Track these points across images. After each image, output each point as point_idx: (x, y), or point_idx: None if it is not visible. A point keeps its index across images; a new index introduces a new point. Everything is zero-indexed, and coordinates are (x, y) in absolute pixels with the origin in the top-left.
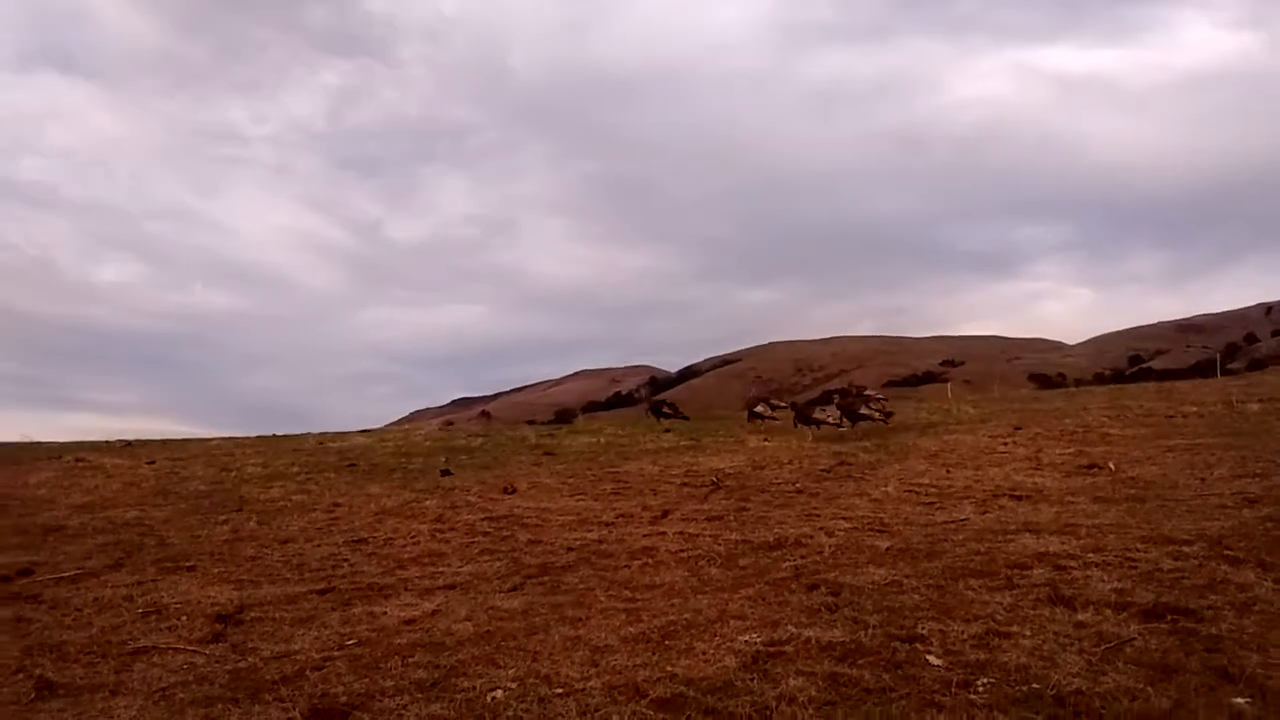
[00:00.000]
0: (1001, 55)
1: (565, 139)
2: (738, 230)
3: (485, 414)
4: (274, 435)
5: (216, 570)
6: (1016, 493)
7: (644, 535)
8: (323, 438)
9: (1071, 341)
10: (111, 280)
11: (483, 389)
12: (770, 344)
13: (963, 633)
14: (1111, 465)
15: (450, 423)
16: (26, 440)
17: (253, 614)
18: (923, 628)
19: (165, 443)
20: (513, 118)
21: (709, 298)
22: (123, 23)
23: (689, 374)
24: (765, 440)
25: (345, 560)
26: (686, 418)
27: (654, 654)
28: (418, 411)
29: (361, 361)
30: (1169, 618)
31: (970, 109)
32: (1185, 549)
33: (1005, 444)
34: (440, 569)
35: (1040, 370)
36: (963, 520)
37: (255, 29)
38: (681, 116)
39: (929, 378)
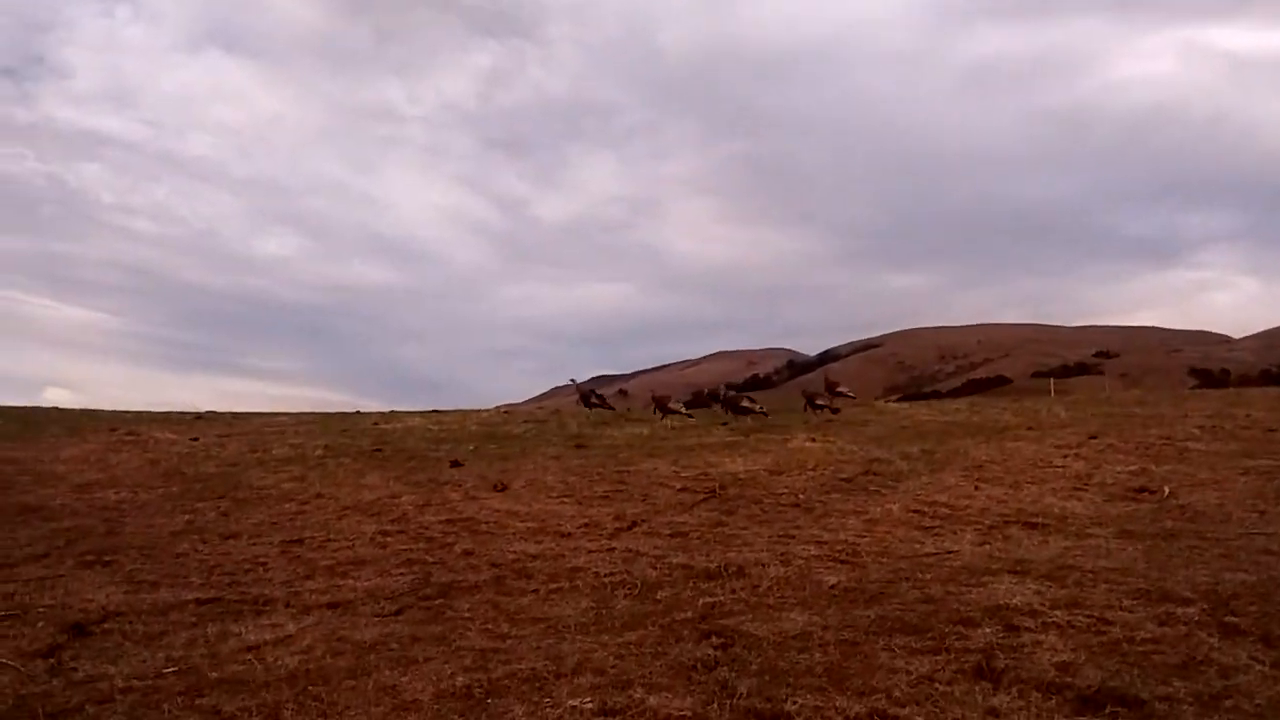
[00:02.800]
0: (1169, 33)
1: (712, 118)
2: (884, 213)
3: (623, 392)
4: (355, 412)
5: (130, 568)
6: (1035, 520)
7: (589, 552)
8: (383, 418)
9: (1238, 335)
10: (273, 253)
11: (622, 367)
12: (913, 329)
13: (844, 711)
14: (1167, 489)
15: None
16: (143, 410)
17: (109, 625)
18: (794, 702)
19: (239, 416)
20: (660, 97)
21: (851, 281)
22: (288, 6)
23: (828, 357)
24: (811, 440)
25: (263, 564)
26: (765, 414)
27: (459, 718)
28: (557, 388)
29: (506, 337)
30: (1109, 709)
31: (1135, 89)
32: (1180, 610)
33: (1066, 456)
34: (344, 581)
35: (1203, 365)
36: (949, 553)
37: (413, 11)
38: (830, 96)
39: (1081, 369)
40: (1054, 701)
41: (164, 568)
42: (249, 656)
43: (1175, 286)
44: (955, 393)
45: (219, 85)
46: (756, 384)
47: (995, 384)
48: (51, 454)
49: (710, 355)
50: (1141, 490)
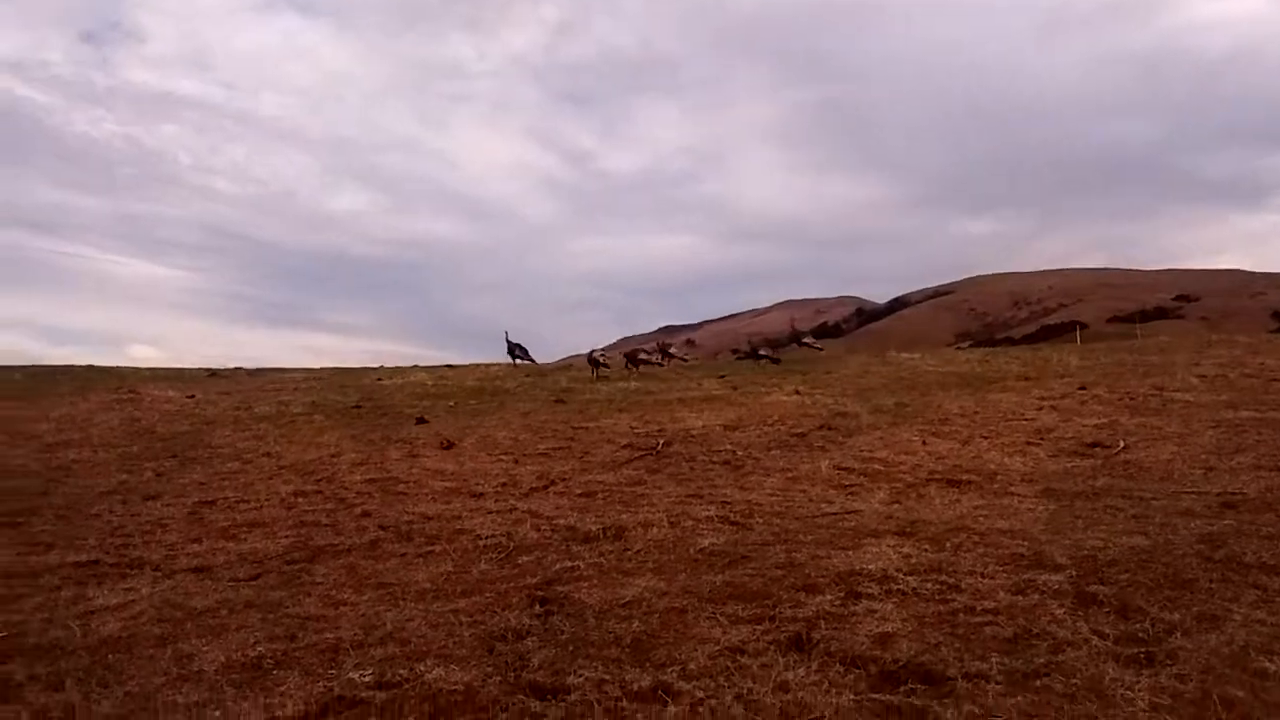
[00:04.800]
0: None
1: (779, 66)
2: (955, 158)
3: (690, 342)
4: (380, 366)
5: (37, 529)
6: (962, 477)
7: (488, 513)
8: (386, 373)
9: None
10: (346, 209)
11: (690, 317)
12: (986, 275)
13: (628, 686)
14: (1123, 443)
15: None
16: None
17: None
18: (581, 675)
19: (255, 373)
20: (727, 45)
21: (923, 228)
22: None
23: (899, 304)
24: (796, 393)
25: (163, 526)
26: (778, 361)
27: (234, 689)
28: (625, 338)
29: (574, 289)
30: (906, 685)
31: (1216, 30)
32: (1044, 578)
33: (1041, 409)
34: (225, 544)
35: None
36: (850, 513)
37: None
38: (901, 40)
39: (1159, 313)
40: (852, 676)
41: (70, 529)
42: (76, 623)
43: (1257, 230)
44: (1028, 339)
45: (291, 45)
46: (825, 332)
47: (1069, 329)
48: (44, 412)
49: (778, 304)
50: (1094, 445)
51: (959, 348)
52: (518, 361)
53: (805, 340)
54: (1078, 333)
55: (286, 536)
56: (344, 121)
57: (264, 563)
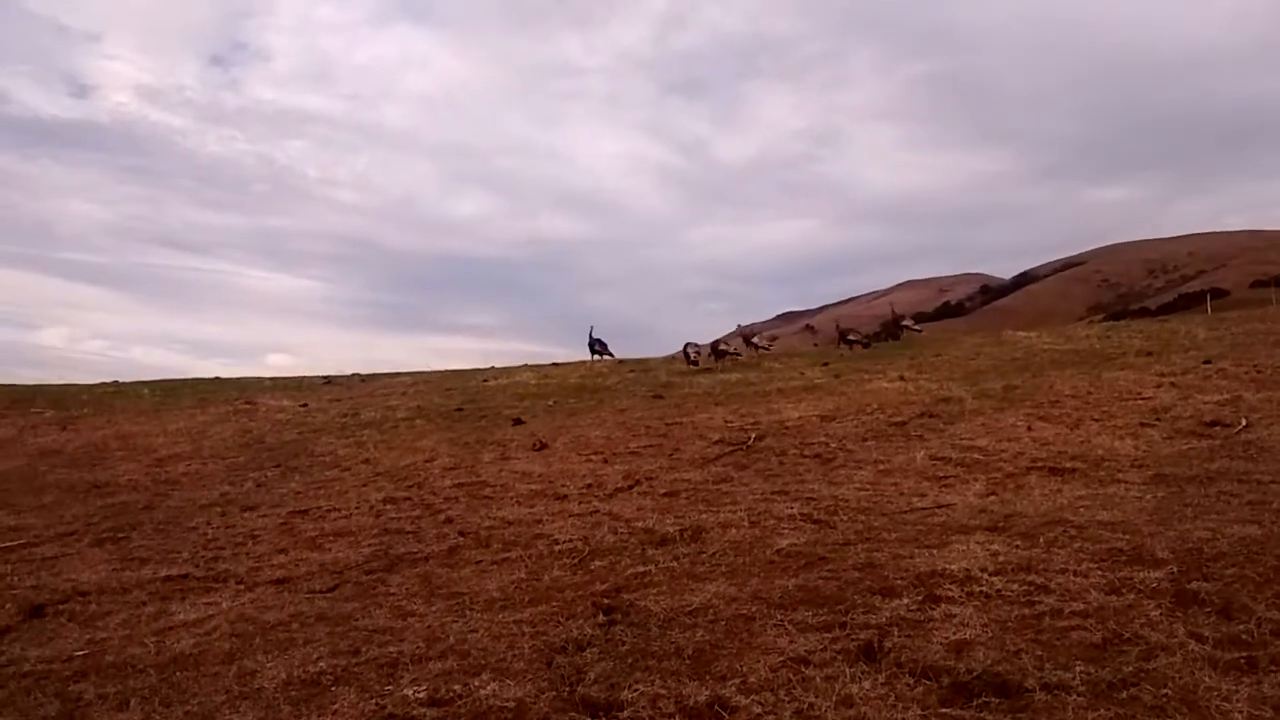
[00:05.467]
0: None
1: (892, 41)
2: (1082, 124)
3: (810, 328)
4: (490, 367)
5: (135, 544)
6: (1067, 464)
7: (569, 515)
8: (493, 374)
9: None
10: (467, 213)
11: (810, 302)
12: (1119, 244)
13: (684, 700)
14: (1245, 421)
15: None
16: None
17: (68, 605)
18: (636, 690)
19: (367, 379)
20: (838, 24)
21: (1049, 199)
22: None
23: (1026, 279)
24: (900, 379)
25: (255, 537)
26: (867, 345)
27: (291, 706)
28: (744, 326)
29: (693, 279)
30: (979, 698)
31: None
32: (1142, 575)
33: (1160, 386)
34: (310, 554)
35: None
36: (941, 507)
37: None
38: (1018, 3)
39: None
40: (922, 688)
41: (167, 543)
42: (153, 639)
43: None
44: (1165, 309)
45: (408, 55)
46: (947, 312)
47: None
48: (163, 426)
49: (899, 285)
50: (1214, 424)
51: (1092, 322)
52: (597, 358)
53: (905, 323)
54: (1208, 301)
55: (369, 545)
56: (461, 126)
57: (343, 573)
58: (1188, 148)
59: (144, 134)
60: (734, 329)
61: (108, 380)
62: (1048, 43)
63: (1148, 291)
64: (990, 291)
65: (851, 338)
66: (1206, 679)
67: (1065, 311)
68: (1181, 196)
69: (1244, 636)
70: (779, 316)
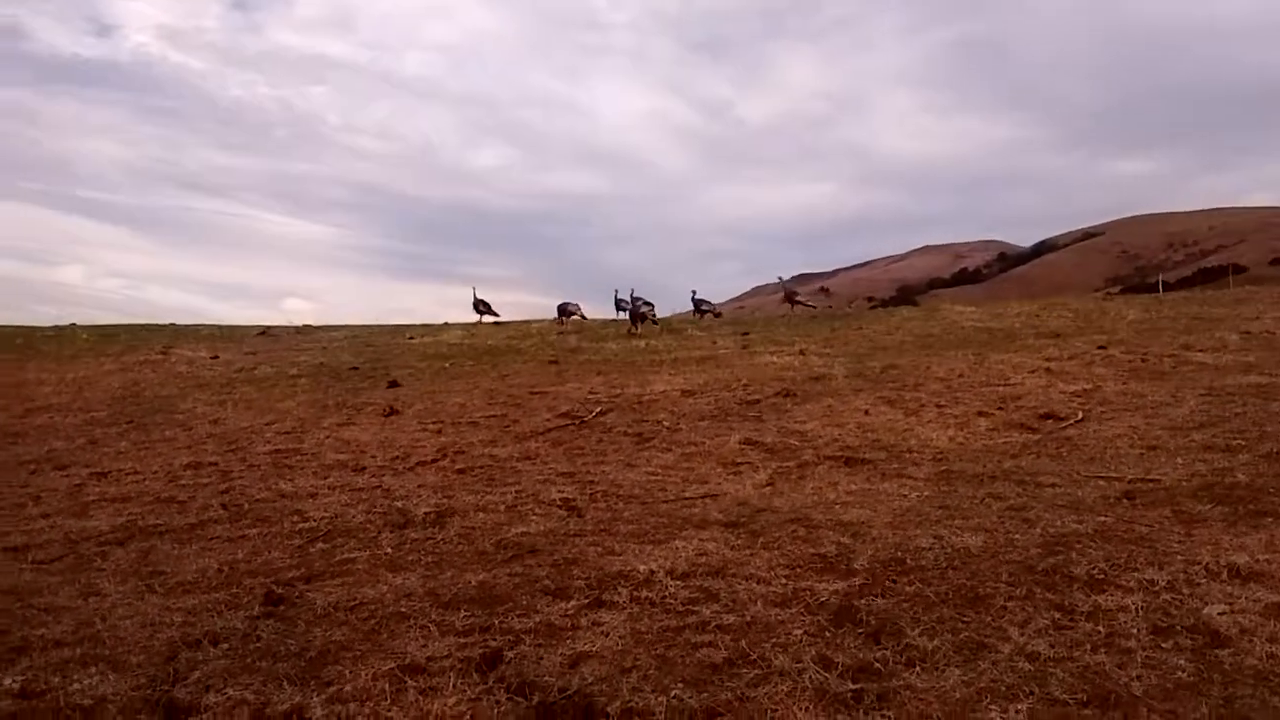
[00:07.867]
0: None
1: (917, 5)
2: (1105, 93)
3: (824, 290)
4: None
5: None
6: (866, 455)
7: (345, 489)
8: (429, 330)
9: None
10: (487, 164)
11: (826, 265)
12: (1139, 216)
13: (263, 710)
14: (1080, 415)
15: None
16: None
17: None
18: (229, 693)
19: (301, 330)
20: None
21: (1069, 168)
22: None
23: (1043, 248)
24: (800, 354)
25: (39, 499)
26: (814, 307)
27: None
28: (758, 287)
29: (711, 239)
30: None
31: None
32: (823, 586)
33: (1034, 372)
34: (71, 521)
35: None
36: (709, 497)
37: None
38: None
39: None
40: (507, 707)
41: None
42: None
43: None
44: (1184, 283)
45: (432, 3)
46: (964, 279)
47: (1227, 273)
48: (61, 375)
49: (916, 250)
50: (1048, 416)
51: (1108, 294)
52: (565, 319)
53: (798, 299)
54: (1230, 276)
55: (129, 514)
56: (484, 78)
57: (79, 544)
58: (1211, 120)
59: (165, 75)
60: (776, 282)
61: (82, 322)
62: (1070, 9)
63: (1166, 265)
64: (1008, 260)
65: (799, 299)
66: (800, 712)
67: (1083, 282)
68: (1204, 170)
69: (876, 665)
70: (794, 278)
